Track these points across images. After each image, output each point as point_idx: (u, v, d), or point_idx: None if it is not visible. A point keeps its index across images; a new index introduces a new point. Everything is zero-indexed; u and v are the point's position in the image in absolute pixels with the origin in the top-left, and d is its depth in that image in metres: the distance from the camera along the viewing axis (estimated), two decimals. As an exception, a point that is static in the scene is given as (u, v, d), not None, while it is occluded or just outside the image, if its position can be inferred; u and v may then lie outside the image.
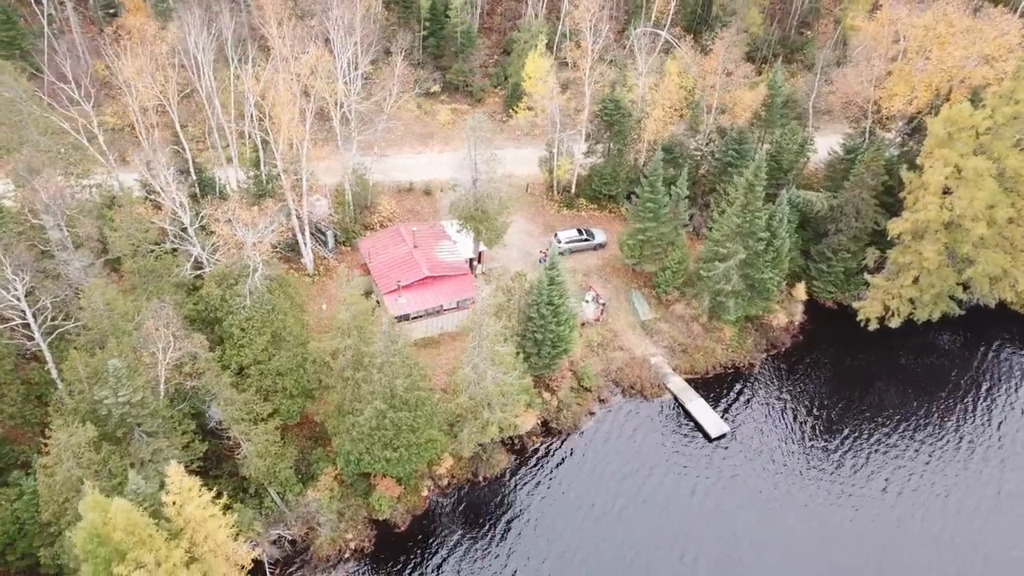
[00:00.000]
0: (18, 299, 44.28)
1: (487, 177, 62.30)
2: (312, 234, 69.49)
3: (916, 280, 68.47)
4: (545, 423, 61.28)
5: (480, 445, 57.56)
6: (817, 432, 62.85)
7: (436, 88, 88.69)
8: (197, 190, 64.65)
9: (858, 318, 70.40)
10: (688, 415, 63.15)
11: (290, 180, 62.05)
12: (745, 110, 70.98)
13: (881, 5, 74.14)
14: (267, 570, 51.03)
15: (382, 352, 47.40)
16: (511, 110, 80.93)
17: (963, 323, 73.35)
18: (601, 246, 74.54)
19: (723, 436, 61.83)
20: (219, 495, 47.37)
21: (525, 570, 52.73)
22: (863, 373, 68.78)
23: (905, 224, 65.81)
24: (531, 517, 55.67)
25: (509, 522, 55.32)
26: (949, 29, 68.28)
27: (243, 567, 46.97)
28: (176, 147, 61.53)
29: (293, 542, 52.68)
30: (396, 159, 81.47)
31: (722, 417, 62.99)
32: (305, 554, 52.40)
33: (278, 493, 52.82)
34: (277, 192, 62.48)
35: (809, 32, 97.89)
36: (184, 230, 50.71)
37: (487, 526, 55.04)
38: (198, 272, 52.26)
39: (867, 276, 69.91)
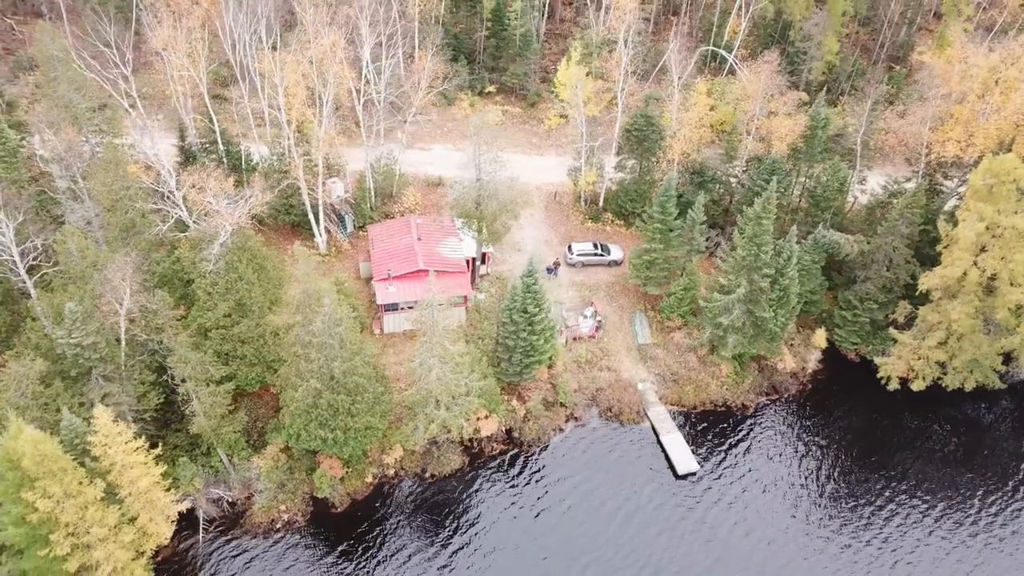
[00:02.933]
0: (2, 234, 48.08)
1: (489, 178, 62.20)
2: (329, 216, 71.66)
3: (945, 343, 62.70)
4: (509, 431, 60.38)
5: (434, 442, 57.63)
6: (789, 486, 58.66)
7: (491, 88, 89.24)
8: (225, 160, 68.27)
9: (879, 375, 65.25)
10: (661, 447, 60.52)
11: (302, 160, 64.16)
12: (781, 140, 67.15)
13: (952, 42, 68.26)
14: (201, 526, 53.10)
15: (320, 332, 48.29)
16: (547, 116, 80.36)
17: (1005, 397, 66.66)
18: (616, 263, 72.64)
19: (691, 474, 58.84)
20: (154, 445, 49.98)
21: (431, 563, 52.68)
22: (867, 434, 63.60)
23: (934, 279, 60.40)
24: (464, 518, 55.25)
25: (442, 520, 55.02)
26: (1019, 74, 61.94)
27: (168, 516, 49.39)
28: (202, 117, 64.93)
29: (233, 504, 54.54)
30: (436, 153, 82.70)
31: (696, 455, 59.93)
32: (241, 518, 54.12)
33: (227, 455, 54.83)
34: (289, 170, 64.80)
35: (900, 67, 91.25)
36: (170, 193, 53.50)
37: (421, 521, 54.93)
38: (183, 234, 55.00)
39: (892, 331, 64.60)
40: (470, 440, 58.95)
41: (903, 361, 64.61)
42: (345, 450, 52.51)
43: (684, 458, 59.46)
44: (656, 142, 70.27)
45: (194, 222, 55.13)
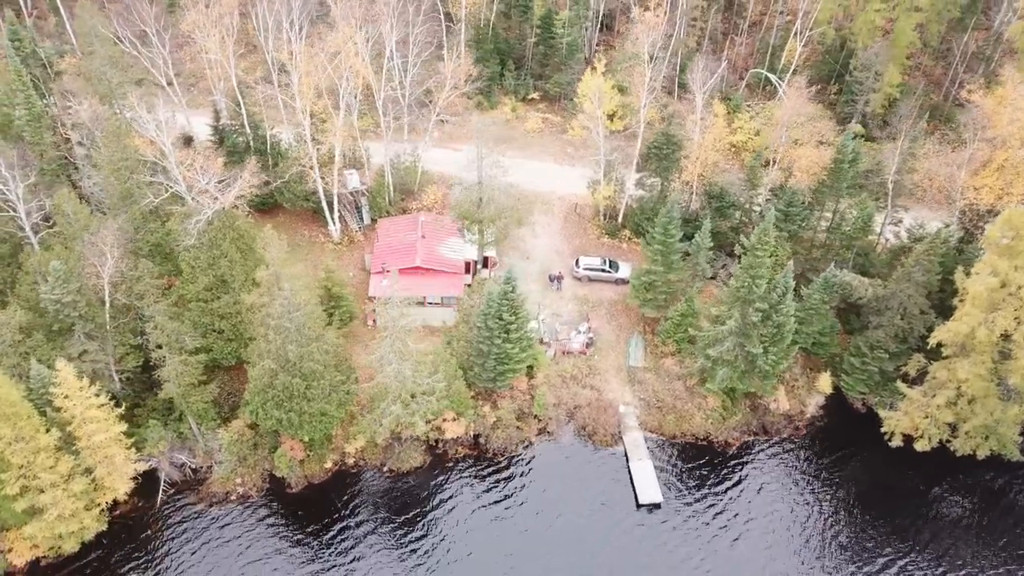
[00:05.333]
0: (6, 192, 51.74)
1: (488, 182, 62.25)
2: (346, 206, 73.37)
3: (954, 403, 58.12)
4: (476, 437, 60.07)
5: (397, 438, 58.04)
6: (753, 530, 55.80)
7: (535, 95, 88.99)
8: (251, 141, 71.04)
9: (882, 429, 61.10)
10: (629, 474, 58.76)
11: (315, 149, 65.92)
12: (804, 171, 63.97)
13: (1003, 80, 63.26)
14: (161, 487, 55.39)
15: (278, 315, 49.52)
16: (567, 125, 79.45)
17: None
18: (623, 281, 70.88)
19: (653, 506, 56.86)
20: (119, 404, 52.51)
21: (367, 551, 53.41)
22: (859, 489, 59.64)
23: (944, 334, 56.13)
24: (411, 514, 55.72)
25: (390, 514, 55.61)
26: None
27: (124, 473, 51.75)
28: (231, 102, 67.78)
29: (196, 471, 56.66)
30: (467, 154, 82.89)
31: (663, 487, 57.83)
32: (200, 485, 56.15)
33: (197, 423, 56.95)
34: (298, 157, 66.74)
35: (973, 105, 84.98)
36: (170, 167, 56.04)
37: (369, 512, 55.62)
38: (178, 207, 57.51)
39: (900, 384, 60.33)
40: (435, 441, 59.07)
41: (909, 417, 60.29)
42: (300, 433, 53.66)
43: (649, 488, 57.54)
44: (676, 162, 68.44)
45: (192, 198, 57.56)
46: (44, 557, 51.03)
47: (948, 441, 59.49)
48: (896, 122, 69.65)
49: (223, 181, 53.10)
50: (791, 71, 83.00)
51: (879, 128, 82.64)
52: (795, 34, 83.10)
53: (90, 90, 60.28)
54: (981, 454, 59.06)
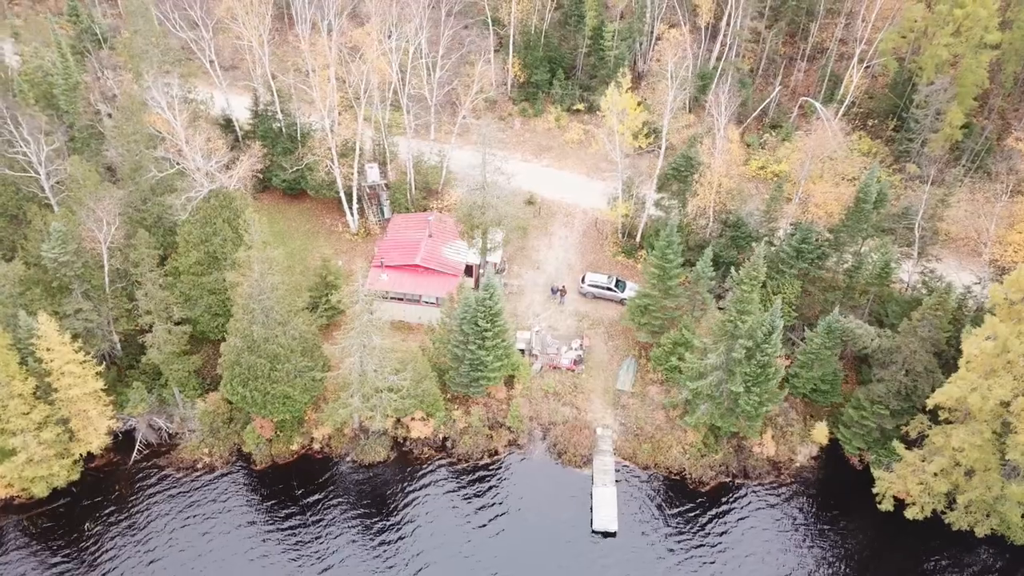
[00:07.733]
0: (25, 153, 55.55)
1: (491, 189, 62.13)
2: (367, 198, 74.87)
3: (950, 473, 53.76)
4: (444, 440, 60.00)
5: (364, 430, 58.77)
6: (701, 571, 53.41)
7: (580, 106, 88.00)
8: (282, 127, 73.53)
9: (874, 490, 57.20)
10: (591, 498, 57.33)
11: (335, 140, 67.57)
12: (818, 207, 60.61)
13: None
14: (137, 447, 58.08)
15: (246, 295, 51.06)
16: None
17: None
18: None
19: (607, 533, 55.22)
20: (102, 362, 55.38)
21: (310, 537, 54.34)
22: (837, 552, 55.95)
23: (940, 397, 52.00)
24: (363, 507, 56.23)
25: (344, 504, 56.30)
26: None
27: (97, 429, 54.54)
28: (264, 87, 70.41)
29: (171, 436, 59.12)
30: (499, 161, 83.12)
31: (623, 517, 56.02)
32: (173, 450, 58.55)
33: (179, 391, 59.42)
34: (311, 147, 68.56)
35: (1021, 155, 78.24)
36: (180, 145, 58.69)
37: (323, 498, 56.50)
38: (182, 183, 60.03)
39: (896, 444, 56.32)
40: (403, 438, 59.45)
41: (903, 481, 56.17)
42: (263, 412, 55.14)
43: (606, 515, 55.90)
44: (690, 185, 66.29)
45: (202, 177, 60.06)
46: (17, 497, 54.41)
47: (943, 512, 55.18)
48: (925, 165, 64.92)
49: (221, 161, 55.02)
50: (847, 102, 78.83)
51: (932, 168, 77.31)
52: (853, 64, 78.79)
53: (131, 66, 63.92)
54: (980, 532, 54.46)
